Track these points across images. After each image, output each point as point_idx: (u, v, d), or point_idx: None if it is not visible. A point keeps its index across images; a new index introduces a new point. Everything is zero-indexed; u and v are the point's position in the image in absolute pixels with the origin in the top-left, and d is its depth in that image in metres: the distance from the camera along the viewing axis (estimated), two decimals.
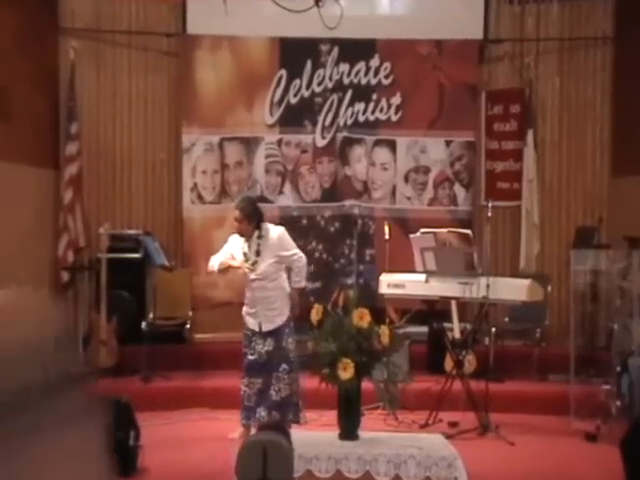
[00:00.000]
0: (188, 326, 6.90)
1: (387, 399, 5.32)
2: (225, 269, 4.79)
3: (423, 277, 5.59)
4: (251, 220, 4.80)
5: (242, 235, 4.83)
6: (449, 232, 5.80)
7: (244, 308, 4.87)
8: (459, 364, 5.66)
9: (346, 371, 3.72)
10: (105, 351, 6.42)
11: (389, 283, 5.73)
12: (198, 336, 7.16)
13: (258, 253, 4.75)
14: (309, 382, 4.58)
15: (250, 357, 4.77)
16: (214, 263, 4.87)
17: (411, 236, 5.95)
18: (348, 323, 3.82)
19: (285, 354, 4.71)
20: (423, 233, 5.85)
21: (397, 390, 5.07)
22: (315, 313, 3.94)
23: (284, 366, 4.76)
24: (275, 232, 4.85)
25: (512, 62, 7.61)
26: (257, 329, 4.76)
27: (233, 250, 4.84)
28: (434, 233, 5.77)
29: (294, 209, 7.49)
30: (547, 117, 7.55)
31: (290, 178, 7.48)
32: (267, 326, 4.75)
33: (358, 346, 3.77)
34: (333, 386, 3.83)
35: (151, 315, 6.61)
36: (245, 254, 4.78)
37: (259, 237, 4.77)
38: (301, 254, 4.99)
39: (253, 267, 4.70)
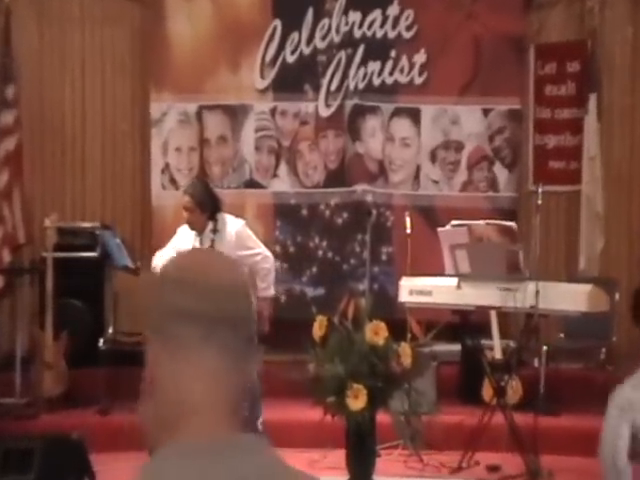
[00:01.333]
0: None
1: (409, 435, 5.37)
2: None
3: (454, 282, 5.61)
4: (204, 210, 4.88)
5: (193, 228, 4.92)
6: (487, 225, 5.82)
7: None
8: (500, 392, 5.63)
9: (357, 400, 3.95)
10: (52, 376, 6.41)
11: (411, 289, 5.80)
12: None
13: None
14: (310, 413, 4.61)
15: None
16: (159, 263, 4.94)
17: (439, 230, 5.95)
18: (359, 339, 4.05)
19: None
20: (454, 226, 5.86)
21: (421, 424, 5.19)
22: (318, 327, 4.13)
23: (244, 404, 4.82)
24: (233, 226, 4.97)
25: (570, 7, 7.50)
26: None
27: (182, 246, 4.80)
28: (468, 226, 5.78)
29: (292, 196, 7.49)
30: (615, 77, 7.46)
31: (287, 157, 7.49)
32: None
33: (372, 368, 3.99)
34: (340, 418, 3.99)
35: (111, 330, 6.63)
36: None
37: (213, 231, 4.88)
38: (267, 253, 5.11)
39: None
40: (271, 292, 5.07)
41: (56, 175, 7.46)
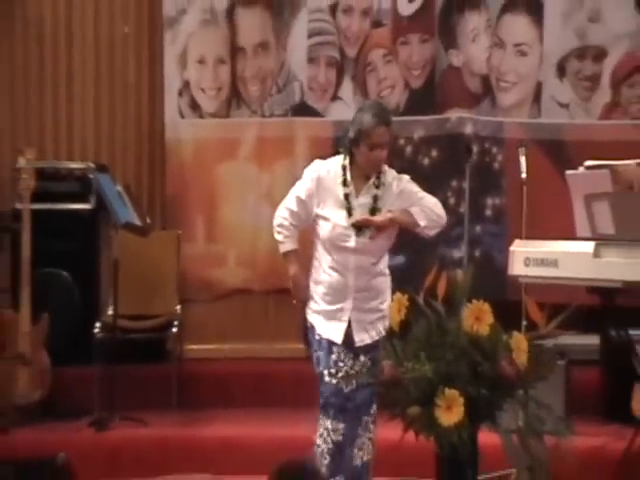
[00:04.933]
0: (175, 330, 6.98)
1: (526, 464, 5.17)
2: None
3: (590, 247, 5.53)
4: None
5: (372, 172, 4.99)
6: None
7: (312, 303, 5.07)
8: None
9: (451, 412, 3.79)
10: (28, 375, 6.46)
11: (528, 258, 5.75)
12: (192, 348, 7.42)
13: (375, 210, 5.01)
14: (384, 432, 4.65)
15: (332, 380, 4.98)
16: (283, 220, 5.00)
17: (568, 174, 6.04)
18: (455, 328, 3.93)
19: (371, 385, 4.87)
20: (590, 168, 5.93)
21: (544, 449, 5.05)
22: (395, 310, 4.03)
23: (374, 407, 4.98)
24: (395, 177, 5.11)
25: None
26: (339, 341, 4.99)
27: (332, 205, 5.01)
28: (611, 168, 5.79)
29: None
30: None
31: (352, 72, 7.57)
32: (362, 337, 4.99)
33: (472, 369, 3.87)
34: (428, 439, 3.88)
35: (110, 312, 6.67)
36: (349, 210, 5.00)
37: (377, 185, 5.02)
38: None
39: (361, 232, 4.98)
40: (426, 224, 5.07)
41: (32, 97, 7.50)
